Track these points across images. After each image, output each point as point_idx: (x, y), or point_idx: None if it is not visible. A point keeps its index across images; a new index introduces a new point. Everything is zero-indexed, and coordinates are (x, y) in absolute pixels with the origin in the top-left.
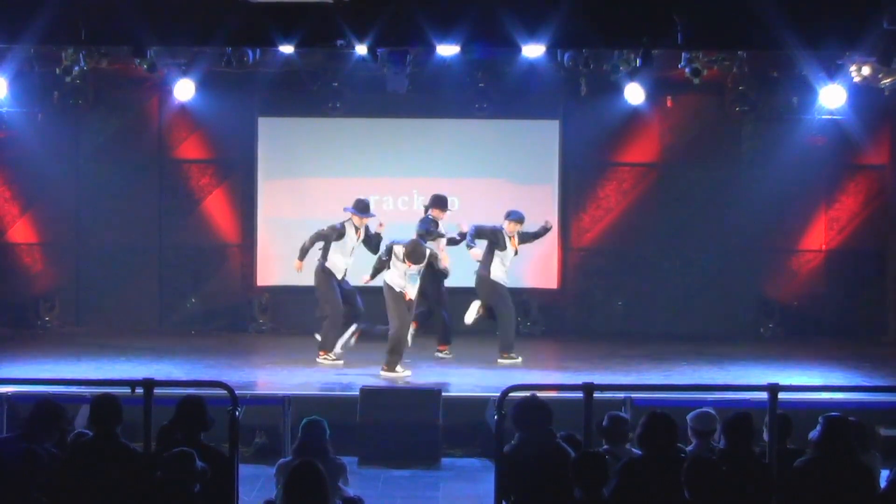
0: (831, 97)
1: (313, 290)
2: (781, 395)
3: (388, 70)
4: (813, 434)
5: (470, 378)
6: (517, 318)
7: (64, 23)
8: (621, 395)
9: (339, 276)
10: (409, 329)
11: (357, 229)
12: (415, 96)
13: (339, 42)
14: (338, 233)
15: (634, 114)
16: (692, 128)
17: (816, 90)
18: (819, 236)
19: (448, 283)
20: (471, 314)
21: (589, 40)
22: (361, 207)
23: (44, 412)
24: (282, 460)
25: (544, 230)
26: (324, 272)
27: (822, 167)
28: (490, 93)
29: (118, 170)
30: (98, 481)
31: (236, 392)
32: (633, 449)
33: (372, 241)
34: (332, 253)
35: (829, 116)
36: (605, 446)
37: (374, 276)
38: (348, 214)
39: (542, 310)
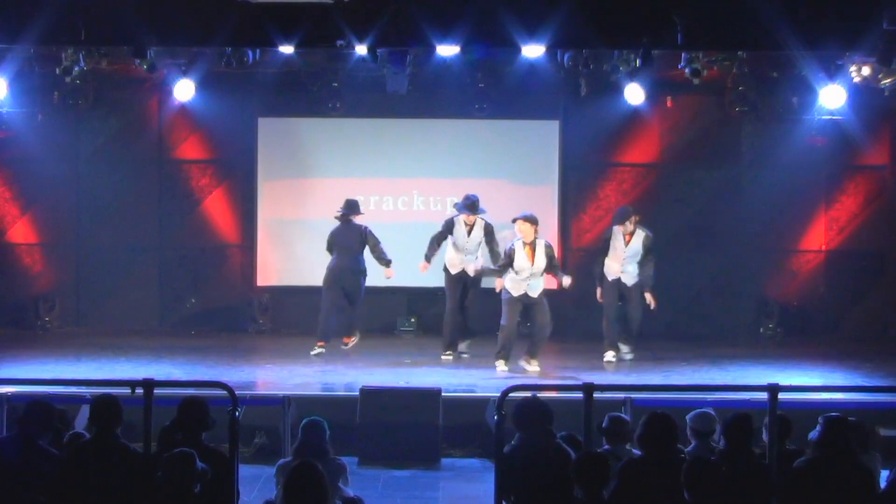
0: (831, 97)
1: (314, 291)
2: (781, 396)
3: (388, 70)
4: (813, 434)
5: (470, 378)
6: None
7: (64, 23)
8: (621, 395)
9: (454, 272)
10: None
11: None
12: (415, 96)
13: (339, 42)
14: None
15: (634, 114)
16: (692, 128)
17: (816, 90)
18: (819, 236)
19: None
20: None
21: (589, 40)
22: (470, 206)
23: (36, 411)
24: (282, 461)
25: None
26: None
27: (822, 167)
28: (490, 93)
29: (118, 170)
30: (98, 482)
31: (236, 392)
32: (634, 449)
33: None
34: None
35: (829, 117)
36: (606, 447)
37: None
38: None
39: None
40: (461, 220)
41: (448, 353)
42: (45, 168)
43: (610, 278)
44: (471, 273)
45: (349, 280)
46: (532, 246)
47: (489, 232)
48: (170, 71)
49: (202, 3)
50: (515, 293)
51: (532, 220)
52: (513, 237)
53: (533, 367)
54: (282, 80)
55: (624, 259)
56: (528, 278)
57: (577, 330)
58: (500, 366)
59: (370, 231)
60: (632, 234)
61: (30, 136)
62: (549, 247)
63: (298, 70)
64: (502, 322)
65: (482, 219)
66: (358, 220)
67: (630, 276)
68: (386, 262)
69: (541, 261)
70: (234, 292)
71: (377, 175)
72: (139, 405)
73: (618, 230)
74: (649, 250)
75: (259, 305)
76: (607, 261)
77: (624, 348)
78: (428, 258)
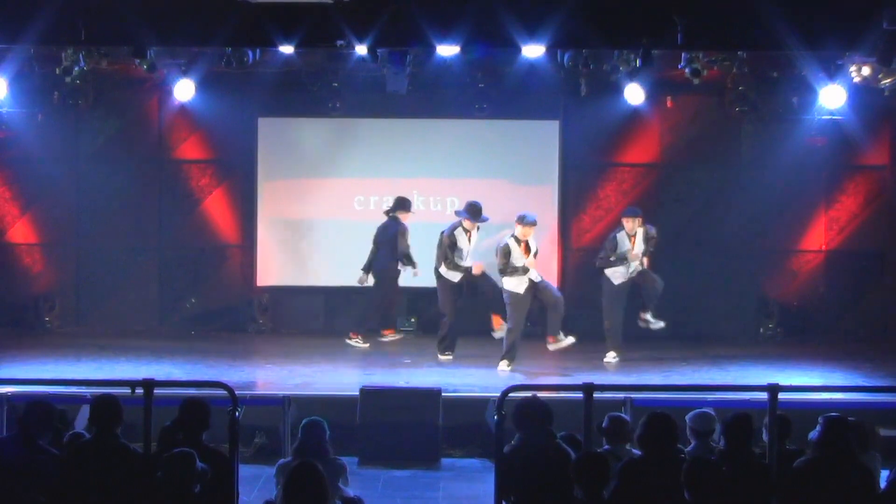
0: (831, 97)
1: (314, 291)
2: (781, 396)
3: (388, 70)
4: (813, 434)
5: (470, 378)
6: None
7: (64, 23)
8: (621, 395)
9: (456, 280)
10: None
11: (468, 232)
12: (415, 96)
13: (339, 42)
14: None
15: (634, 114)
16: (692, 128)
17: (816, 90)
18: (819, 236)
19: None
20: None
21: (589, 40)
22: (474, 212)
23: (36, 411)
24: (281, 461)
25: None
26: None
27: (822, 167)
28: (490, 93)
29: (118, 170)
30: (98, 482)
31: (236, 392)
32: (634, 449)
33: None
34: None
35: (829, 117)
36: (606, 447)
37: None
38: (458, 219)
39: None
40: (461, 230)
41: (448, 353)
42: (45, 168)
43: (617, 283)
44: (475, 272)
45: (376, 276)
46: (525, 242)
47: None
48: (170, 71)
49: (202, 3)
50: (522, 290)
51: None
52: (505, 236)
53: (567, 340)
54: (282, 80)
55: (632, 259)
56: (527, 271)
57: (577, 330)
58: (503, 366)
59: (400, 231)
60: (635, 235)
61: (30, 136)
62: (534, 240)
63: (298, 70)
64: (509, 325)
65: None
66: (406, 219)
67: (635, 270)
68: (410, 263)
69: (532, 250)
70: (234, 292)
71: (377, 175)
72: (139, 405)
73: (622, 236)
74: (650, 239)
75: (259, 305)
76: (614, 269)
77: (651, 317)
78: (460, 267)
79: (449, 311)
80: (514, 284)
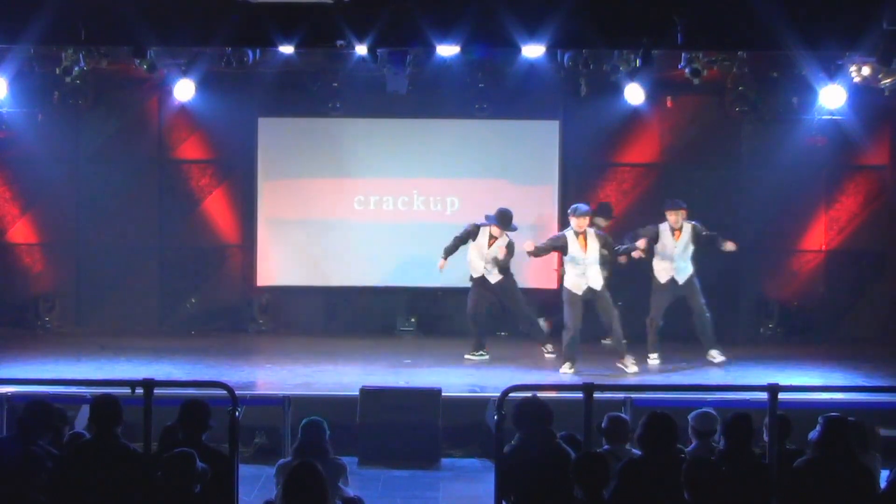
0: (831, 97)
1: (314, 291)
2: (781, 396)
3: (388, 70)
4: (813, 434)
5: (470, 378)
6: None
7: (64, 23)
8: (621, 395)
9: (475, 276)
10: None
11: (492, 237)
12: (415, 96)
13: (339, 42)
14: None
15: (634, 114)
16: (692, 128)
17: (816, 90)
18: (819, 236)
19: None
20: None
21: (589, 40)
22: (504, 220)
23: (36, 411)
24: (281, 461)
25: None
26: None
27: (822, 167)
28: (490, 93)
29: (118, 170)
30: (98, 482)
31: (236, 392)
32: (634, 449)
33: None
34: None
35: (829, 117)
36: (606, 447)
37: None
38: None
39: (543, 310)
40: (487, 231)
41: (480, 352)
42: (45, 168)
43: (662, 280)
44: (492, 281)
45: None
46: (584, 235)
47: (511, 250)
48: (170, 71)
49: (202, 3)
50: (579, 291)
51: (588, 213)
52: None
53: (631, 367)
54: (282, 80)
55: (675, 255)
56: (586, 269)
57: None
58: (565, 369)
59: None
60: (680, 229)
61: (30, 136)
62: (601, 235)
63: (298, 70)
64: (567, 323)
65: (507, 235)
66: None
67: (683, 272)
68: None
69: (594, 248)
70: (234, 292)
71: (377, 175)
72: (139, 405)
73: (665, 227)
74: (700, 239)
75: (259, 305)
76: (655, 262)
77: (715, 352)
78: (446, 256)
79: (521, 306)
80: (573, 283)
